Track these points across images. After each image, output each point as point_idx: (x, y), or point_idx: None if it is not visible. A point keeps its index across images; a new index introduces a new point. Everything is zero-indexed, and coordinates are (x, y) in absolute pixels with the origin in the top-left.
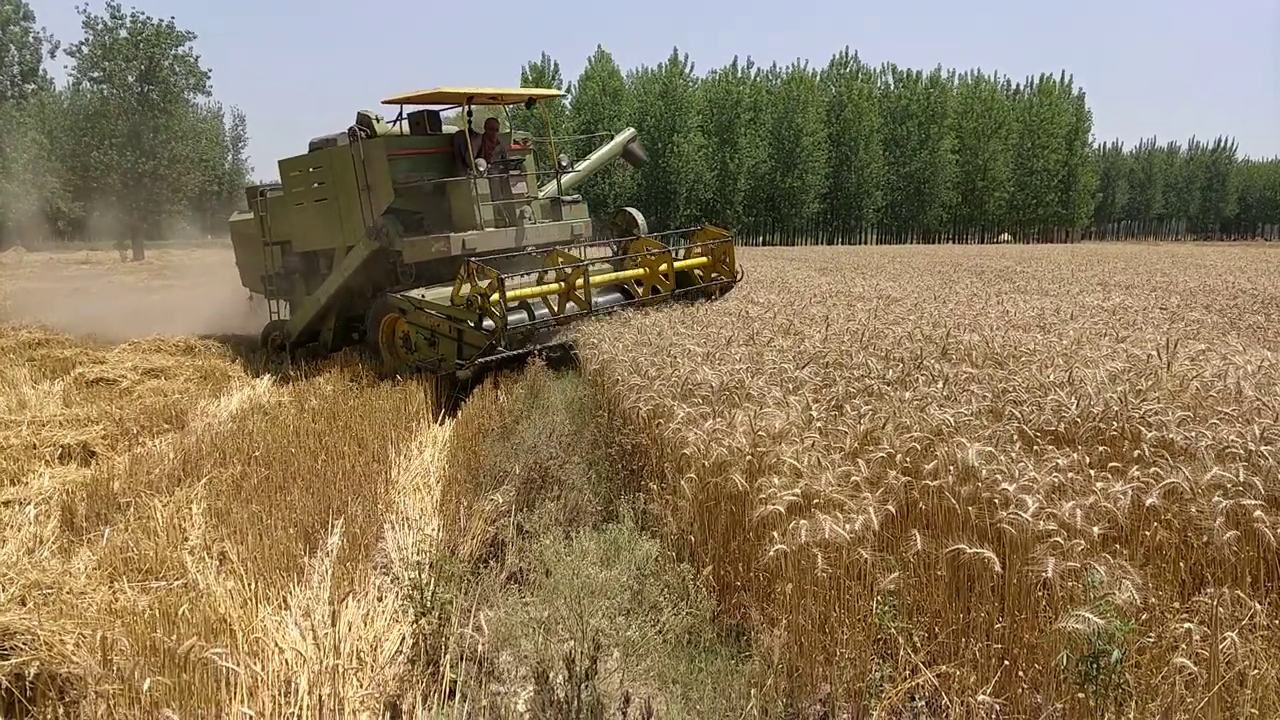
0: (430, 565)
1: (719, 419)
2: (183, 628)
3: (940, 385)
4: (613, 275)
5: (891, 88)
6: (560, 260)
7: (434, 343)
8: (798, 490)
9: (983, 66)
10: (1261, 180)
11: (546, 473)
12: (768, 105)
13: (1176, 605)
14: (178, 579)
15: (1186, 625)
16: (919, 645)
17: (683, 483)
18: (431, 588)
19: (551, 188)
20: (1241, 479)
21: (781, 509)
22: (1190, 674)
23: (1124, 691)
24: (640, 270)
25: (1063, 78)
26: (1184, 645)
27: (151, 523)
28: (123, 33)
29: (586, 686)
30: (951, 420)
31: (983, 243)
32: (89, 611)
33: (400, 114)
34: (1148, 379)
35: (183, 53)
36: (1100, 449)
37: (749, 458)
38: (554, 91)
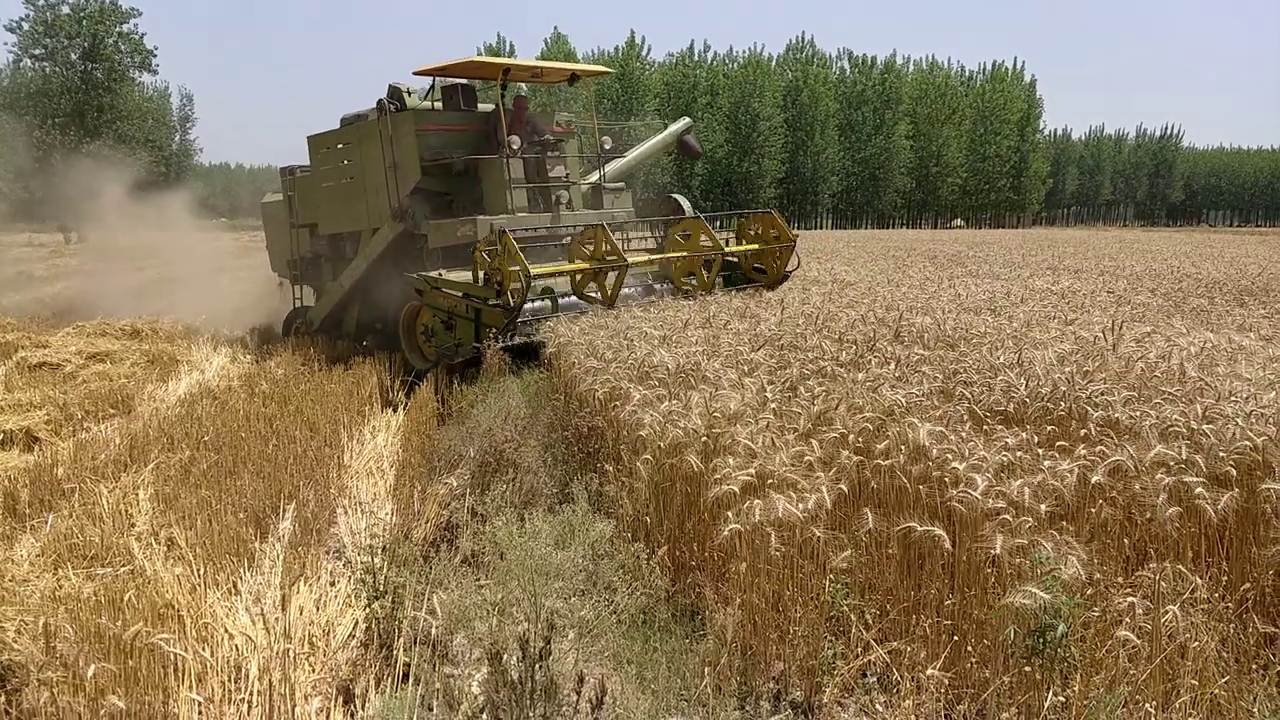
0: (383, 549)
1: (675, 401)
2: (128, 614)
3: (892, 367)
4: (656, 257)
5: (847, 73)
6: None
7: (451, 326)
8: (752, 470)
9: (937, 52)
10: (1206, 167)
11: (501, 456)
12: (725, 89)
13: (1120, 580)
14: (124, 565)
15: (1130, 599)
16: (871, 622)
17: (638, 464)
18: (384, 571)
19: (594, 174)
20: (1184, 457)
21: (736, 489)
22: (1133, 647)
23: (1069, 665)
24: (682, 252)
25: (1015, 64)
26: (1128, 619)
27: (97, 509)
28: (65, 9)
29: (540, 667)
30: (903, 401)
31: (936, 228)
32: (31, 599)
33: (432, 86)
34: (1094, 360)
35: (128, 30)
36: (1048, 428)
37: (704, 439)
38: (600, 69)
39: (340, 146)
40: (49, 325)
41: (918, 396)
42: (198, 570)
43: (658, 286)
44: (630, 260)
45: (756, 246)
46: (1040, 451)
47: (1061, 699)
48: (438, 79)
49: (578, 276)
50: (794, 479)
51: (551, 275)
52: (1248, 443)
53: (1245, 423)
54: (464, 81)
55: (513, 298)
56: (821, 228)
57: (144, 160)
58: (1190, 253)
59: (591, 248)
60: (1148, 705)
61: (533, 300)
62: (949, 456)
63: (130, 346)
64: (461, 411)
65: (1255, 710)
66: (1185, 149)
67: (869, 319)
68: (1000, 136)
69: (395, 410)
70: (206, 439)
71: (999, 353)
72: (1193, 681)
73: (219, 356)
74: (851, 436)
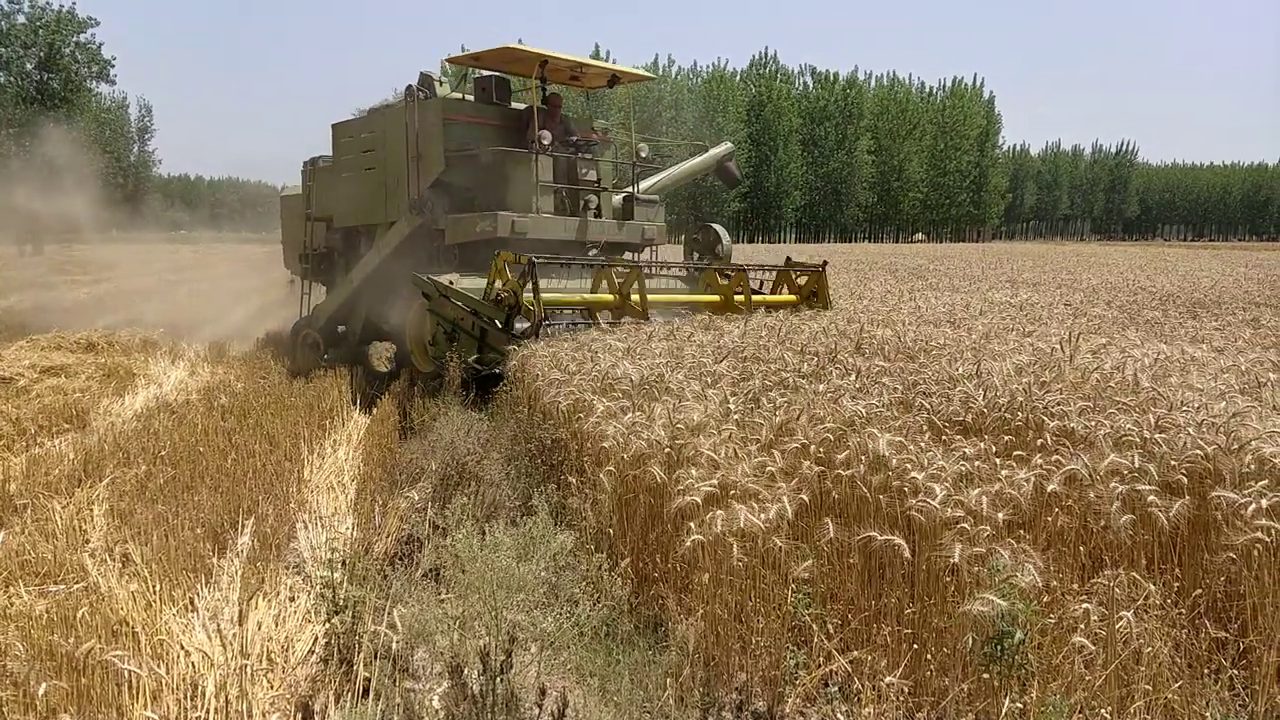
0: (344, 564)
1: (638, 412)
2: (82, 631)
3: (853, 378)
4: (682, 297)
5: (810, 88)
6: (613, 266)
7: (454, 338)
8: (714, 481)
9: (898, 69)
10: (1160, 183)
11: (464, 469)
12: (688, 104)
13: (1076, 587)
14: (77, 582)
15: (1085, 606)
16: (832, 632)
17: (602, 476)
18: (344, 586)
19: (628, 184)
20: (1137, 465)
21: (699, 500)
22: (1089, 653)
23: (1027, 672)
24: (714, 297)
25: (974, 81)
26: (1083, 625)
27: (50, 525)
28: (20, 18)
29: (501, 680)
30: (863, 412)
31: (897, 242)
32: None
33: (465, 76)
34: (1051, 371)
35: (85, 40)
36: (1005, 438)
37: (667, 450)
38: (644, 73)
39: (364, 135)
40: (1, 339)
41: (878, 407)
42: (153, 586)
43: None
44: (656, 299)
45: (794, 299)
46: (998, 461)
47: (1019, 705)
48: (471, 69)
49: (600, 311)
50: (756, 489)
51: (570, 305)
52: (1199, 451)
53: (1196, 432)
54: (498, 74)
55: (526, 323)
56: (785, 242)
57: (100, 171)
58: (1145, 266)
59: (621, 281)
60: (1103, 710)
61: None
62: (908, 466)
63: (85, 360)
64: (424, 425)
65: (1208, 714)
66: (1140, 165)
67: (830, 331)
68: (960, 152)
69: (357, 423)
70: (163, 454)
71: (958, 364)
72: (1146, 686)
73: (177, 370)
74: (813, 447)
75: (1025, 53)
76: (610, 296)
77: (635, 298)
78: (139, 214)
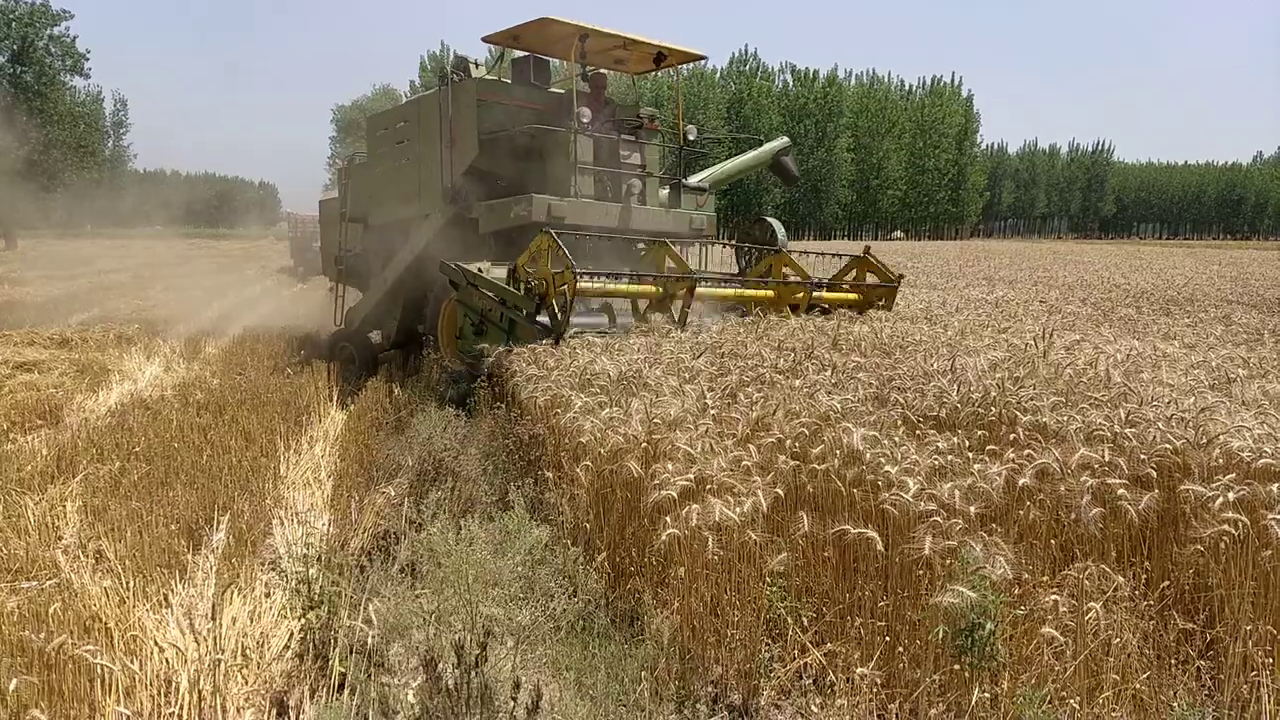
0: (319, 559)
1: (616, 408)
2: (54, 627)
3: (829, 374)
4: (731, 292)
5: (790, 86)
6: (666, 259)
7: (481, 330)
8: (691, 475)
9: (877, 67)
10: (1136, 181)
11: (441, 464)
12: (669, 101)
13: (1046, 579)
14: (50, 579)
15: (1054, 598)
16: (807, 625)
17: (578, 470)
18: (320, 581)
19: (675, 171)
20: (1108, 459)
21: (675, 494)
22: (1059, 644)
23: (997, 663)
24: (768, 293)
25: (953, 79)
26: (1052, 617)
27: (22, 521)
28: None
29: (476, 674)
30: (839, 407)
31: (876, 239)
32: None
33: (500, 57)
34: (1025, 367)
35: (59, 33)
36: (979, 433)
37: (644, 445)
38: (693, 51)
39: (399, 125)
40: None
41: (853, 402)
42: (126, 583)
43: (730, 315)
44: (705, 291)
45: (855, 297)
46: (970, 455)
47: (988, 695)
48: (507, 50)
49: (641, 303)
50: (732, 483)
51: (604, 295)
52: (1168, 446)
53: (1166, 426)
54: (536, 56)
55: (557, 311)
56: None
57: (75, 166)
58: (1120, 264)
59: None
60: (1072, 701)
61: (588, 314)
62: (882, 460)
63: (59, 356)
64: (401, 421)
65: (1175, 705)
66: (1116, 164)
67: (808, 327)
68: (939, 150)
69: (334, 419)
70: (138, 450)
71: (933, 360)
72: (1115, 677)
73: (152, 366)
74: (788, 441)
75: (1003, 52)
76: (653, 288)
77: (675, 308)
78: (114, 209)
